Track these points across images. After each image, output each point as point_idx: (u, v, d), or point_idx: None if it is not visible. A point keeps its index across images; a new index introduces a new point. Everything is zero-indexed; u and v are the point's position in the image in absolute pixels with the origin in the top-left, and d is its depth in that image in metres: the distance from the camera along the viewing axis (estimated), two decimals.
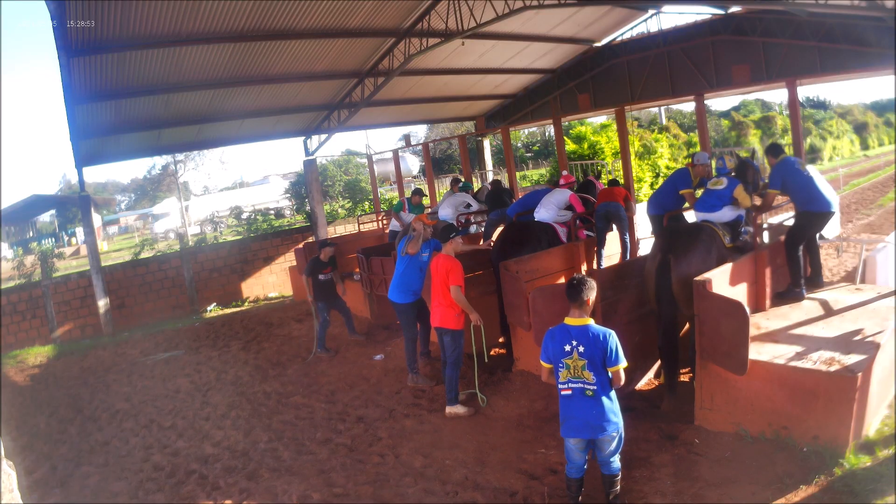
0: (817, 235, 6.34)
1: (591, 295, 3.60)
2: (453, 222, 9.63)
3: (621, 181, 9.26)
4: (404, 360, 6.65)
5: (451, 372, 5.54)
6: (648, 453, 4.39)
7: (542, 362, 3.70)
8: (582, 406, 3.54)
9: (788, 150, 6.32)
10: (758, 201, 5.96)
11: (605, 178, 9.58)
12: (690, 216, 7.59)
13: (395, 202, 11.15)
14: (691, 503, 3.74)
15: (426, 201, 14.77)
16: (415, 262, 6.23)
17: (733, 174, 6.11)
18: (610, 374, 3.51)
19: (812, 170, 5.71)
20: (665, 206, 7.18)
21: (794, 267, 5.59)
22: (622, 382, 3.54)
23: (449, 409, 5.52)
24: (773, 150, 5.93)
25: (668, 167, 20.78)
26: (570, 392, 3.57)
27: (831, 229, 7.27)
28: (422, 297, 6.37)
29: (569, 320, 3.61)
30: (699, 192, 6.26)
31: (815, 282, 5.81)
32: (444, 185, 20.99)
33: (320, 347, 7.98)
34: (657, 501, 3.82)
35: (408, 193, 13.86)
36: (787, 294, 5.56)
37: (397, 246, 6.84)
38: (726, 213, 5.60)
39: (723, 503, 3.67)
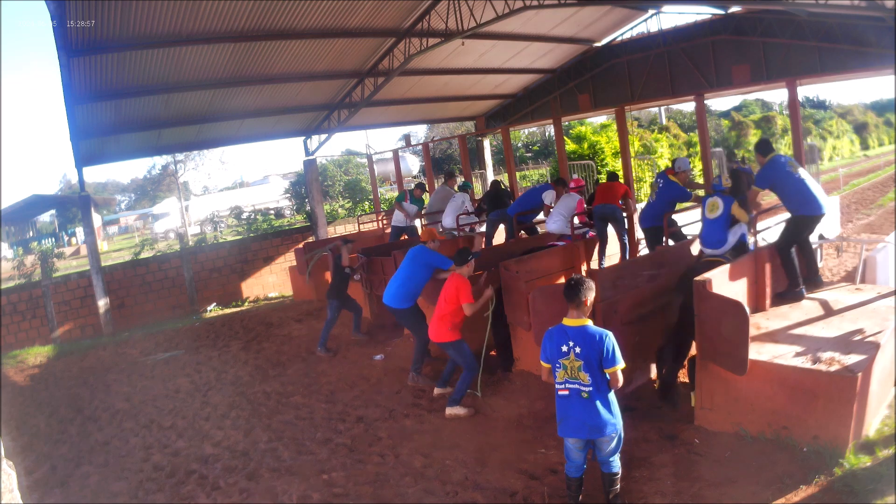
0: (818, 236, 6.32)
1: (590, 295, 3.60)
2: (454, 229, 9.66)
3: (621, 175, 9.22)
4: (404, 360, 6.66)
5: (467, 376, 5.59)
6: (648, 453, 4.39)
7: (542, 362, 3.71)
8: (578, 407, 3.54)
9: (787, 150, 6.25)
10: (759, 205, 5.91)
11: (604, 173, 9.61)
12: (686, 217, 7.59)
13: (399, 193, 11.17)
14: (691, 503, 3.74)
15: (425, 199, 14.80)
16: (424, 271, 6.29)
17: (727, 191, 5.94)
18: (607, 375, 3.51)
19: (802, 171, 5.65)
20: (658, 218, 7.24)
21: (790, 268, 5.56)
22: (620, 384, 3.52)
23: (449, 410, 5.53)
24: (762, 147, 5.79)
25: (668, 167, 20.78)
26: (566, 392, 3.58)
27: (831, 229, 7.26)
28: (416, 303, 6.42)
29: (567, 321, 3.62)
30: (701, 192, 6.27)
31: (814, 282, 5.75)
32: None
33: (320, 346, 7.99)
34: (657, 501, 3.82)
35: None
36: (786, 294, 5.55)
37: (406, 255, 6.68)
38: (731, 241, 5.49)
39: (723, 503, 3.67)
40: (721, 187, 5.92)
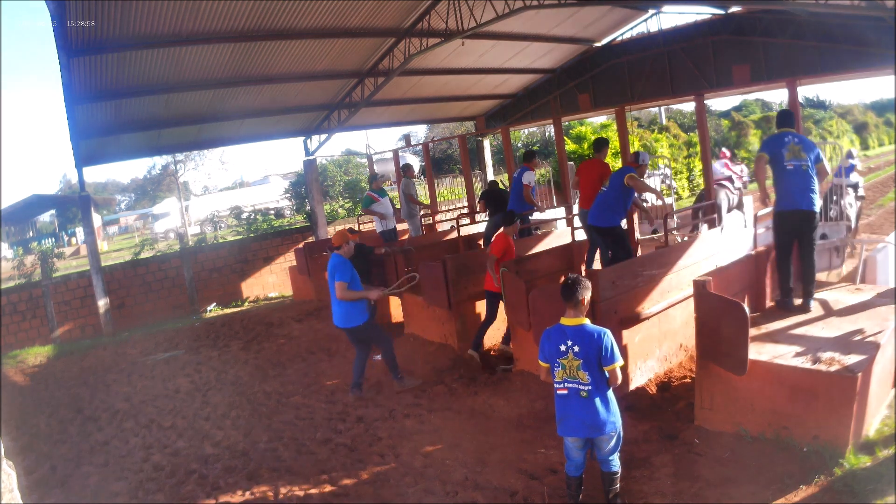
0: (819, 235, 6.23)
1: (586, 294, 3.61)
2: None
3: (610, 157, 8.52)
4: (404, 360, 6.65)
5: (485, 326, 6.60)
6: (648, 453, 4.39)
7: (540, 362, 3.72)
8: (577, 406, 3.55)
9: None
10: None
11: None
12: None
13: (365, 198, 10.91)
14: (691, 503, 3.74)
15: (426, 200, 14.82)
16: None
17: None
18: (606, 373, 3.52)
19: (803, 162, 5.09)
20: (615, 216, 6.78)
21: (780, 276, 5.30)
22: (619, 381, 3.55)
23: (470, 352, 6.58)
24: (778, 119, 5.40)
25: (667, 167, 20.78)
26: (565, 392, 3.59)
27: (834, 230, 7.19)
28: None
29: (564, 320, 3.63)
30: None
31: (804, 304, 5.22)
32: (444, 185, 20.98)
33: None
34: (657, 501, 3.82)
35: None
36: (779, 306, 5.42)
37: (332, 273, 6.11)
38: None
39: (723, 503, 3.67)
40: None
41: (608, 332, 3.55)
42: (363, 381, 6.36)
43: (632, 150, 12.06)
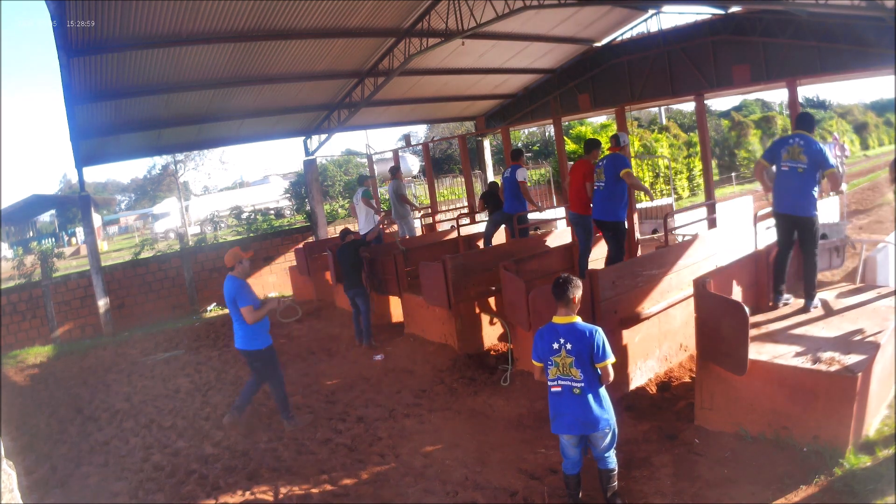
0: (819, 235, 6.22)
1: (577, 293, 3.65)
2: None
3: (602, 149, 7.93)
4: (404, 360, 6.64)
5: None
6: (648, 453, 4.39)
7: (534, 361, 3.75)
8: (571, 403, 3.58)
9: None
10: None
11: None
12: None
13: (364, 190, 10.80)
14: (691, 503, 3.74)
15: (426, 200, 14.86)
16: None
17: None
18: (598, 370, 3.55)
19: (801, 164, 5.06)
20: (620, 209, 6.69)
21: (774, 274, 5.34)
22: (611, 378, 3.58)
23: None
24: (797, 120, 5.30)
25: (667, 167, 20.82)
26: (559, 389, 3.62)
27: (835, 230, 7.17)
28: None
29: (556, 319, 3.66)
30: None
31: (805, 304, 5.21)
32: (444, 185, 21.00)
33: (366, 341, 7.91)
34: (657, 501, 3.82)
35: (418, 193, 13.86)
36: (773, 301, 5.42)
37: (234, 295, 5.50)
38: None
39: (723, 503, 3.67)
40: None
41: (599, 329, 3.59)
42: (248, 406, 5.93)
43: (631, 150, 12.02)
